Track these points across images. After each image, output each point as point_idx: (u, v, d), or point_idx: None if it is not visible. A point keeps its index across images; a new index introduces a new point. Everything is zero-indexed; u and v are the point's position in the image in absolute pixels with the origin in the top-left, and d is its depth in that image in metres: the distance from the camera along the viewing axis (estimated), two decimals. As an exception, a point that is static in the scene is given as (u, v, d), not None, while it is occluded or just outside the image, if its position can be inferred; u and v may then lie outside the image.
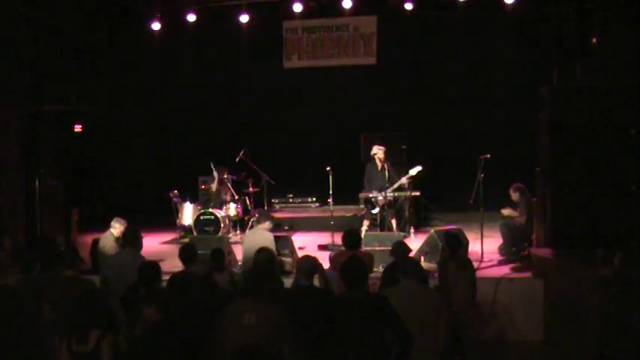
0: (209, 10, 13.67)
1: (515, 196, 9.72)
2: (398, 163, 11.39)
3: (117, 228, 8.52)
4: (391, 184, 10.77)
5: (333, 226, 10.50)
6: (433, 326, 5.21)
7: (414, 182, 11.35)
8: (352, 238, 6.95)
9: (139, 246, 6.88)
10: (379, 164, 11.03)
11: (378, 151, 11.10)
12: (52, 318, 5.60)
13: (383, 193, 10.72)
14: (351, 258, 5.09)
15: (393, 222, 10.79)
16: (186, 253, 6.62)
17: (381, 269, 7.47)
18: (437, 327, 5.27)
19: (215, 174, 11.83)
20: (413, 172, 10.82)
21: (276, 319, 4.56)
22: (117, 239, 8.41)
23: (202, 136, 14.60)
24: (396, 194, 10.91)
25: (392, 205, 10.87)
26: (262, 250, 6.24)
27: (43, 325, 5.62)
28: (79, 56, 13.75)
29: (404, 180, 10.85)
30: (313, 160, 13.21)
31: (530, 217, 9.59)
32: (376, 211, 10.87)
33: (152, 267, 5.68)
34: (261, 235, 8.27)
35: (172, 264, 7.98)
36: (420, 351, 4.83)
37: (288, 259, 8.93)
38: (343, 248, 7.14)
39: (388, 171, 10.90)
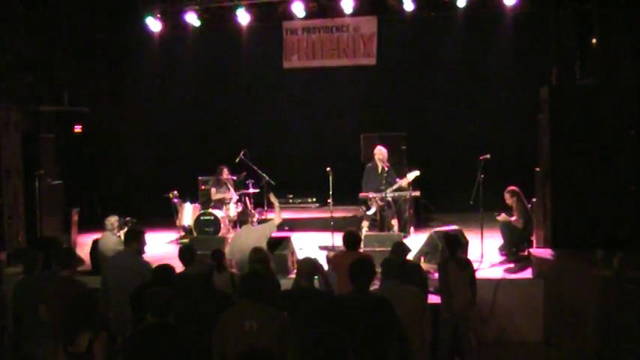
0: (209, 10, 13.68)
1: (510, 200, 9.69)
2: (398, 164, 11.36)
3: (115, 227, 8.39)
4: (388, 186, 10.72)
5: (333, 226, 10.48)
6: (417, 324, 5.26)
7: (414, 183, 11.32)
8: (352, 239, 6.92)
9: (142, 244, 6.69)
10: (379, 165, 10.98)
11: (379, 152, 11.04)
12: (48, 318, 5.58)
13: (379, 194, 10.69)
14: (361, 259, 5.10)
15: (394, 222, 10.76)
16: (186, 254, 6.61)
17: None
18: (420, 325, 5.31)
19: (225, 178, 11.72)
20: (411, 176, 10.76)
21: (277, 323, 4.50)
22: (119, 237, 8.18)
23: (202, 137, 14.60)
24: (395, 194, 10.89)
25: (392, 206, 10.84)
26: (257, 251, 6.22)
27: (41, 326, 5.61)
28: (79, 57, 13.76)
29: (401, 184, 10.82)
30: (313, 160, 13.20)
31: (528, 220, 9.57)
32: (372, 212, 10.83)
33: (166, 270, 5.71)
34: (249, 233, 8.16)
35: (172, 265, 7.91)
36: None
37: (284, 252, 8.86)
38: (343, 249, 7.13)
39: (387, 173, 10.86)
